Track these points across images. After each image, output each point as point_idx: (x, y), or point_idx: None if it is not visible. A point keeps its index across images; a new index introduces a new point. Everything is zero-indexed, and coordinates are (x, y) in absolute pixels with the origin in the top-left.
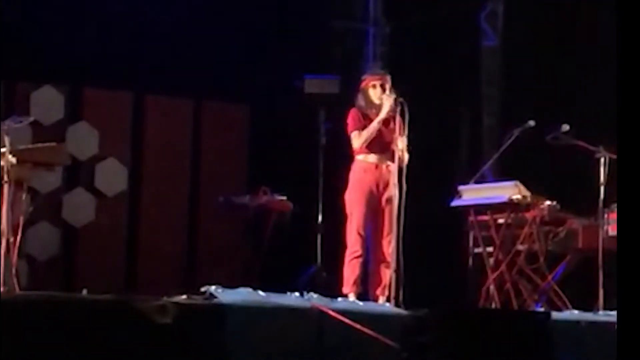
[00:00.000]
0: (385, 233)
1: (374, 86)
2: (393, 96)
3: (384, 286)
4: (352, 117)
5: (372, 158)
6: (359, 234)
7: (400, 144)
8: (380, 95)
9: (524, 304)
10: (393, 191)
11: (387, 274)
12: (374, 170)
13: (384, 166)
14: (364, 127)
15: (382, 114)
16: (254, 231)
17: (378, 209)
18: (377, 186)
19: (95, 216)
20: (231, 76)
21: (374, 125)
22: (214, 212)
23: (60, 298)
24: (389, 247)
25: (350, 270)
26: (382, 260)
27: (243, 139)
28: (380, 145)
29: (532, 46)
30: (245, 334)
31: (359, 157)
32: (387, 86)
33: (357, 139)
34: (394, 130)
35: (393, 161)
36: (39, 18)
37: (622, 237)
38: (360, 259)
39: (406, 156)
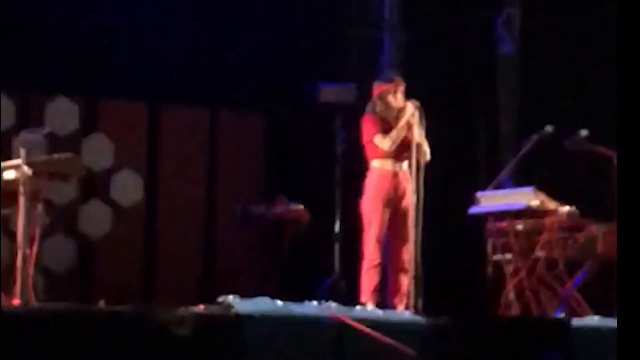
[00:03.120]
0: (403, 241)
1: (395, 92)
2: (415, 102)
3: (403, 294)
4: (369, 123)
5: (389, 165)
6: (377, 242)
7: (421, 144)
8: (399, 100)
9: (544, 311)
10: (411, 198)
11: (406, 282)
12: (391, 178)
13: (401, 173)
14: (385, 131)
15: (407, 116)
16: (272, 241)
17: (396, 217)
18: (395, 193)
19: (111, 227)
20: (247, 85)
21: (402, 125)
22: (230, 222)
23: (77, 310)
24: (407, 254)
25: (369, 279)
26: (401, 268)
27: (259, 149)
28: (397, 151)
29: (549, 52)
30: (264, 343)
31: (376, 165)
32: (402, 91)
33: (385, 141)
34: (411, 137)
35: (410, 168)
36: (54, 29)
37: (622, 241)
38: (378, 268)
39: (427, 152)
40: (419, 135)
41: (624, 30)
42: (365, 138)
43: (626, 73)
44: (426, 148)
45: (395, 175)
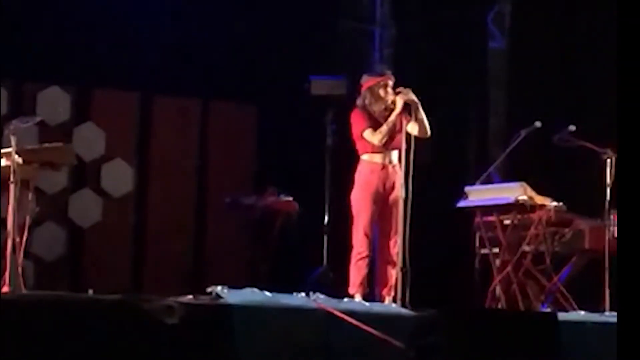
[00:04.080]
0: (391, 233)
1: (385, 86)
2: (404, 95)
3: (390, 287)
4: (359, 117)
5: (379, 158)
6: (366, 234)
7: (416, 126)
8: (390, 94)
9: (531, 305)
10: (400, 192)
11: (394, 275)
12: (380, 171)
13: (390, 166)
14: (374, 126)
15: (398, 109)
16: (261, 232)
17: (385, 210)
18: (384, 186)
19: (102, 217)
20: (238, 77)
21: (392, 119)
22: (220, 212)
23: (67, 298)
24: (395, 247)
25: (357, 271)
26: (389, 260)
27: (250, 140)
28: (386, 145)
29: (539, 48)
30: (252, 334)
31: (365, 158)
32: (392, 85)
33: (376, 136)
34: (400, 130)
35: (399, 161)
36: (46, 19)
37: (622, 238)
38: (366, 260)
39: (427, 130)
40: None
41: (625, 27)
42: (355, 133)
43: (626, 70)
44: (426, 124)
45: (384, 168)
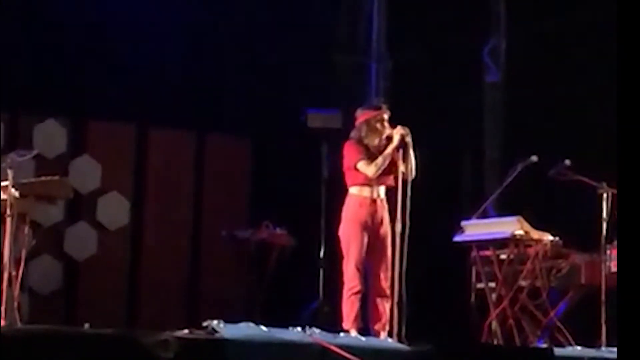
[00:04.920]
0: (382, 267)
1: (382, 120)
2: (402, 129)
3: (385, 321)
4: (353, 149)
5: (367, 192)
6: (357, 268)
7: (403, 167)
8: (386, 128)
9: (527, 340)
10: (395, 225)
11: (386, 308)
12: (369, 205)
13: (378, 200)
14: (369, 157)
15: (395, 143)
16: (256, 265)
17: (375, 244)
18: (373, 220)
19: (97, 250)
20: (234, 109)
21: (388, 152)
22: (216, 246)
23: (62, 332)
24: (387, 281)
25: (350, 307)
26: (381, 294)
27: (245, 173)
28: (377, 179)
29: (535, 81)
30: None
31: (354, 191)
32: (388, 119)
33: (371, 167)
34: (394, 163)
35: (387, 195)
36: (42, 52)
37: (622, 272)
38: (359, 294)
39: (413, 171)
40: (406, 154)
41: (625, 55)
42: (346, 164)
43: (626, 98)
44: (413, 166)
45: (373, 202)
